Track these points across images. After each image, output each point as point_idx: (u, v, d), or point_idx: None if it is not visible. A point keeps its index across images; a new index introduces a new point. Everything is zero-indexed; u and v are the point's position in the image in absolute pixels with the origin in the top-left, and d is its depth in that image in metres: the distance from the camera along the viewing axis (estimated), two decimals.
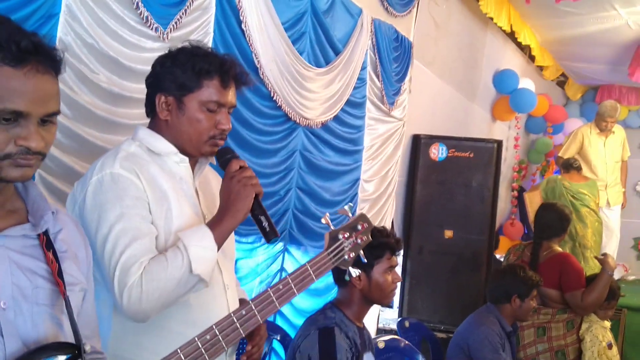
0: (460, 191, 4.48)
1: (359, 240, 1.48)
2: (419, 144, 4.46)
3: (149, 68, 2.12)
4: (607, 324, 3.47)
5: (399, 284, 2.22)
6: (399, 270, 2.37)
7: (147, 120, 2.09)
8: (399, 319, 3.74)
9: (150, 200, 1.44)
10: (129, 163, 1.45)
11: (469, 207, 4.46)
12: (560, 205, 3.78)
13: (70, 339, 1.04)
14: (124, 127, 2.09)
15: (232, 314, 1.16)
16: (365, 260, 2.02)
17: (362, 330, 2.11)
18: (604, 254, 3.59)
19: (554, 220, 3.55)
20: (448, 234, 4.45)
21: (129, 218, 1.38)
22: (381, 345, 2.80)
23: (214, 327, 1.14)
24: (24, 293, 1.01)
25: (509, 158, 6.18)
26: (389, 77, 3.74)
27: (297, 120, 2.98)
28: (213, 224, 1.44)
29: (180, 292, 1.38)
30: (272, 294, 1.22)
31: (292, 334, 2.86)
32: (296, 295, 1.30)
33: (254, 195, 1.46)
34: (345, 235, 1.44)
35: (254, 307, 1.17)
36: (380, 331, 4.30)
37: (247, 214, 1.46)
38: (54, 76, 1.00)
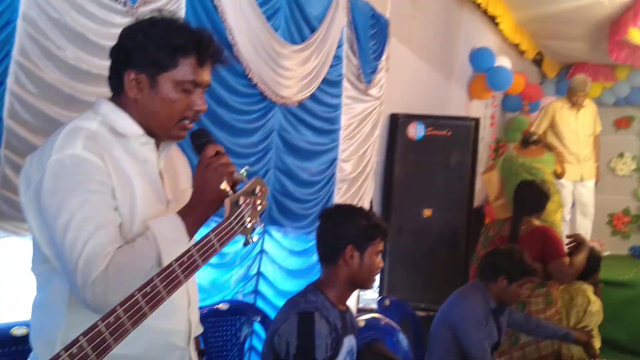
0: (438, 170, 4.47)
1: (258, 207, 1.38)
2: (396, 123, 4.44)
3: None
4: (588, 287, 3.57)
5: None
6: None
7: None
8: (379, 298, 3.74)
9: (115, 185, 1.32)
10: (93, 144, 1.31)
11: (447, 185, 4.47)
12: (540, 183, 3.80)
13: None
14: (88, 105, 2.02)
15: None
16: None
17: (345, 313, 2.08)
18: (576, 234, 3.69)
19: (534, 197, 3.57)
20: (427, 213, 4.45)
21: (92, 205, 1.27)
22: (361, 323, 2.79)
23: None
24: None
25: (486, 137, 6.21)
26: (365, 55, 3.69)
27: (274, 99, 2.93)
28: (185, 214, 1.34)
29: None
30: (177, 268, 1.15)
31: (272, 315, 2.83)
32: (201, 267, 1.21)
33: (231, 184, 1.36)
34: (246, 201, 1.33)
35: (158, 284, 1.10)
36: (361, 311, 4.29)
37: (221, 204, 1.34)
38: None
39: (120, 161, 1.35)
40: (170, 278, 1.12)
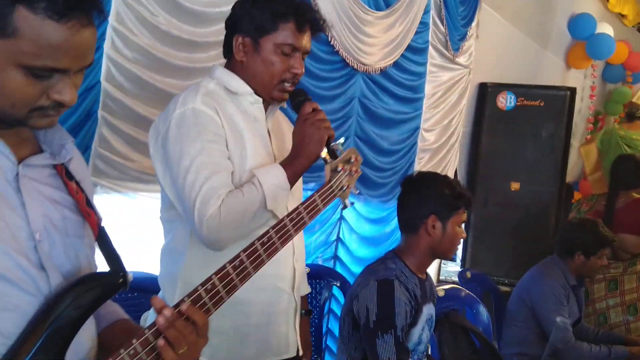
0: (528, 142, 4.28)
1: (354, 174, 1.51)
2: (485, 93, 4.28)
3: (208, 10, 2.14)
4: None
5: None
6: None
7: (203, 64, 2.11)
8: (461, 270, 3.68)
9: (228, 137, 1.49)
10: (210, 99, 1.49)
11: (537, 158, 4.27)
12: (638, 156, 3.57)
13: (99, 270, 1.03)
14: (182, 70, 2.10)
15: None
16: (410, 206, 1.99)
17: (424, 281, 2.06)
18: None
19: (633, 170, 3.36)
20: (514, 186, 4.29)
21: (209, 153, 1.44)
22: (441, 293, 2.76)
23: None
24: (55, 224, 0.97)
25: (584, 108, 5.86)
26: (454, 22, 3.58)
27: (356, 66, 2.91)
28: (286, 164, 1.49)
29: (254, 226, 1.45)
30: (287, 223, 1.25)
31: (351, 281, 2.87)
32: (308, 224, 1.33)
33: (326, 138, 1.49)
34: (344, 168, 1.47)
35: (273, 235, 1.20)
36: (442, 283, 4.25)
37: (318, 156, 1.50)
38: (94, 25, 0.90)
39: (233, 116, 1.52)
40: (282, 231, 1.22)
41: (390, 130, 3.28)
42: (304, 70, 1.58)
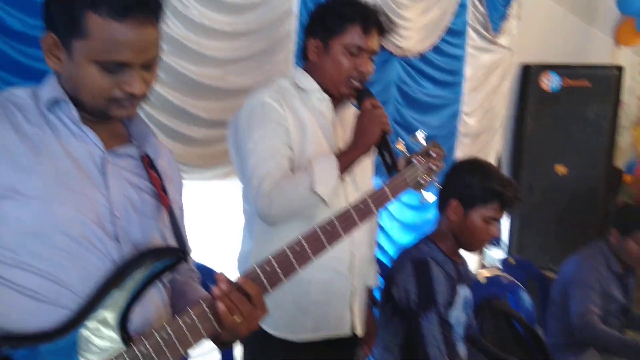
0: (575, 124, 4.16)
1: (433, 166, 1.54)
2: (529, 74, 4.16)
3: (237, 1, 2.15)
4: None
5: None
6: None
7: (226, 53, 2.14)
8: (505, 257, 3.61)
9: (290, 126, 1.65)
10: (276, 94, 1.67)
11: (584, 141, 4.15)
12: None
13: None
14: (213, 60, 2.12)
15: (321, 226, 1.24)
16: (442, 188, 1.98)
17: (458, 264, 2.03)
18: None
19: None
20: (561, 170, 4.18)
21: (270, 139, 1.62)
22: (483, 280, 2.72)
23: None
24: (134, 205, 1.11)
25: (637, 88, 5.63)
26: (493, 1, 3.49)
27: (392, 51, 2.88)
28: (342, 154, 1.63)
29: (302, 206, 1.59)
30: (353, 212, 1.28)
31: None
32: (375, 214, 1.35)
33: (380, 132, 1.61)
34: (420, 161, 1.51)
35: (336, 223, 1.24)
36: (485, 269, 4.18)
37: (371, 147, 1.62)
38: (154, 24, 1.05)
39: (298, 110, 1.69)
40: (347, 220, 1.26)
41: (429, 116, 3.24)
42: (371, 70, 1.70)
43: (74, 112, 1.07)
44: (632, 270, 2.78)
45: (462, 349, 1.99)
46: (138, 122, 1.19)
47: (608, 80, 4.07)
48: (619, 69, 4.11)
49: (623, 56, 5.44)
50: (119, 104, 1.07)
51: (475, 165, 2.03)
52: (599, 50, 5.09)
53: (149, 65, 1.07)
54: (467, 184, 1.95)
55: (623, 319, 2.74)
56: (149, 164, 1.16)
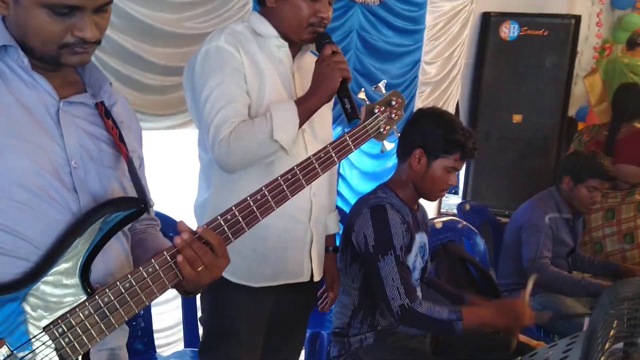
0: (532, 73, 4.22)
1: (394, 115, 1.53)
2: (488, 23, 4.18)
3: None
4: None
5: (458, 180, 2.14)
6: None
7: None
8: (460, 202, 3.71)
9: (247, 72, 1.63)
10: (232, 38, 1.64)
11: (540, 90, 4.22)
12: None
13: None
14: (169, 5, 2.06)
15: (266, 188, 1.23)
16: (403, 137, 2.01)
17: (415, 211, 2.09)
18: None
19: (636, 99, 3.31)
20: (517, 118, 4.26)
21: (227, 85, 1.59)
22: (438, 225, 2.80)
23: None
24: (91, 155, 1.09)
25: (591, 37, 5.71)
26: None
27: None
28: (299, 101, 1.61)
29: (262, 154, 1.58)
30: (314, 161, 1.28)
31: None
32: (336, 164, 1.36)
33: (340, 79, 1.59)
34: (381, 110, 1.50)
35: (298, 172, 1.24)
36: (441, 215, 4.30)
37: (331, 95, 1.61)
38: None
39: (255, 55, 1.66)
40: (308, 169, 1.27)
41: (390, 64, 3.24)
42: (330, 14, 1.67)
43: (24, 59, 1.03)
44: (580, 215, 2.91)
45: (418, 291, 2.07)
46: (92, 70, 1.15)
47: (565, 29, 4.13)
48: (576, 18, 4.16)
49: (579, 5, 5.49)
50: (71, 50, 1.02)
51: (437, 116, 2.05)
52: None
53: (101, 9, 1.02)
54: (430, 135, 1.98)
55: (570, 260, 2.89)
56: (104, 112, 1.13)
